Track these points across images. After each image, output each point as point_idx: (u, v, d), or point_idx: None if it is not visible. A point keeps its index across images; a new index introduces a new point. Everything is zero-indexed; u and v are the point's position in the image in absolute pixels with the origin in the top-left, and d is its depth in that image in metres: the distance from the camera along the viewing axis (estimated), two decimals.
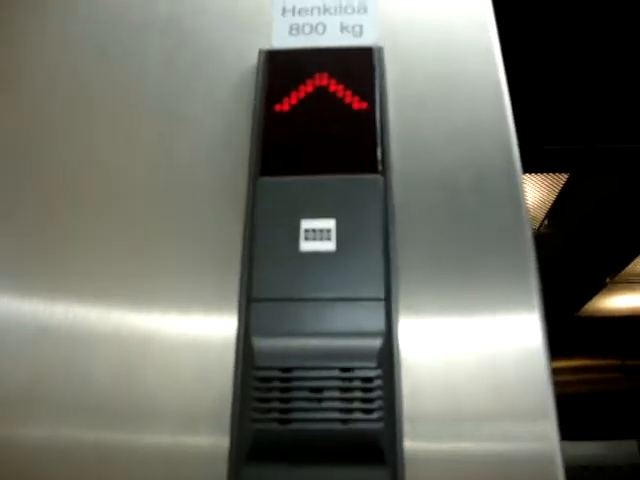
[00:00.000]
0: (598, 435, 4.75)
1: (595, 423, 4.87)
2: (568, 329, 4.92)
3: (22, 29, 0.76)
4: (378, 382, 0.49)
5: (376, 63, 0.65)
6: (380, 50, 0.66)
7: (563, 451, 0.50)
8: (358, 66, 0.65)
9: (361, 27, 0.70)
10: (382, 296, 0.53)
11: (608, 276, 3.91)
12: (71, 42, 0.75)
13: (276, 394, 0.50)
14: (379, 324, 0.52)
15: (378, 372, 0.50)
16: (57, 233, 0.62)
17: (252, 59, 0.69)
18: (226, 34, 0.73)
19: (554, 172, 2.28)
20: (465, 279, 0.57)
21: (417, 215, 0.59)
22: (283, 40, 0.70)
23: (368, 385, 0.49)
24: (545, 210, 2.80)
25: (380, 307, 0.53)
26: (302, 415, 0.49)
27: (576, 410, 4.94)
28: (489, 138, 0.63)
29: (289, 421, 0.49)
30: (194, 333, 0.57)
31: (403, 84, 0.67)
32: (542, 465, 0.50)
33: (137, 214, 0.62)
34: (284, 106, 0.63)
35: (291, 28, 0.71)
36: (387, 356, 0.51)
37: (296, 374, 0.50)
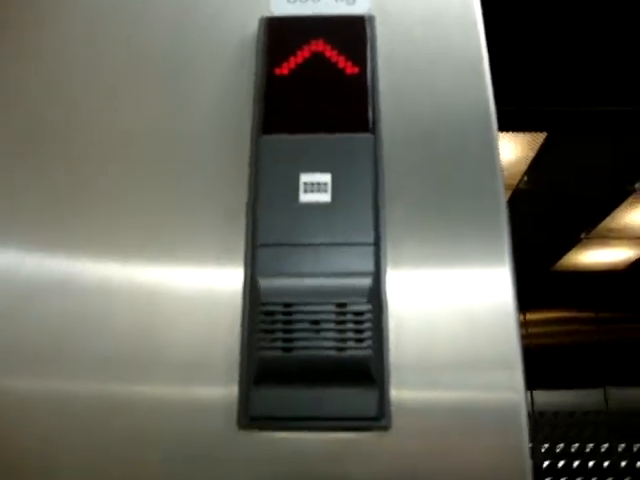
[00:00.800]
0: (570, 384, 4.95)
1: (568, 373, 5.07)
2: (544, 283, 5.07)
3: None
4: (368, 316, 0.57)
5: (368, 31, 0.71)
6: (372, 18, 0.72)
7: (528, 400, 0.57)
8: (351, 33, 0.71)
9: None
10: (372, 241, 0.60)
11: (583, 232, 4.04)
12: (83, 9, 0.79)
13: (280, 326, 0.57)
14: (369, 266, 0.60)
15: (368, 307, 0.58)
16: (76, 191, 0.68)
17: (253, 26, 0.74)
18: (228, 3, 0.78)
19: (533, 131, 2.36)
20: (444, 231, 0.64)
21: (403, 170, 0.66)
22: (282, 8, 0.76)
23: (359, 318, 0.57)
24: (524, 167, 2.89)
25: (370, 251, 0.60)
26: (303, 344, 0.57)
27: (551, 360, 5.13)
28: (468, 99, 0.70)
29: (291, 349, 0.57)
30: (204, 281, 0.63)
31: (391, 51, 0.73)
32: (509, 412, 0.56)
33: (147, 170, 0.68)
34: (283, 70, 0.69)
35: None
36: (376, 294, 0.59)
37: (296, 308, 0.58)
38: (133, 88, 0.74)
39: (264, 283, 0.59)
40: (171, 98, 0.73)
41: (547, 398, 5.03)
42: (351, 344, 0.56)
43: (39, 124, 0.71)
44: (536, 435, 4.97)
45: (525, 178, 3.03)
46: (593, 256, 4.68)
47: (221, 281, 0.63)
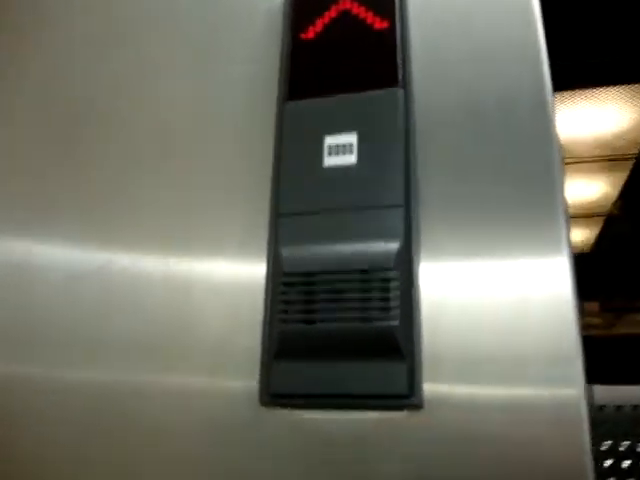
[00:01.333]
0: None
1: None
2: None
3: None
4: (395, 283, 0.52)
5: None
6: None
7: (588, 395, 0.48)
8: None
9: None
10: (401, 202, 0.55)
11: None
12: None
13: (301, 297, 0.54)
14: (397, 229, 0.55)
15: (395, 273, 0.53)
16: (112, 181, 0.68)
17: None
18: None
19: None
20: (488, 210, 0.56)
21: (441, 132, 0.60)
22: None
23: (385, 285, 0.52)
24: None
25: (398, 213, 0.55)
26: (325, 315, 0.53)
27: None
28: (515, 56, 0.62)
29: (314, 321, 0.53)
30: (230, 257, 0.61)
31: (425, 4, 0.67)
32: (567, 409, 0.48)
33: (174, 151, 0.67)
34: (309, 34, 0.65)
35: None
36: (404, 260, 0.54)
37: (318, 278, 0.54)
38: (165, 65, 0.73)
39: (285, 253, 0.56)
40: (201, 72, 0.72)
41: (608, 392, 4.61)
42: (377, 314, 0.52)
43: (77, 111, 0.72)
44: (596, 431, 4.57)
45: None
46: None
47: (247, 255, 0.60)
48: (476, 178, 0.57)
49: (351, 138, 0.58)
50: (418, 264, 0.55)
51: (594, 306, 5.04)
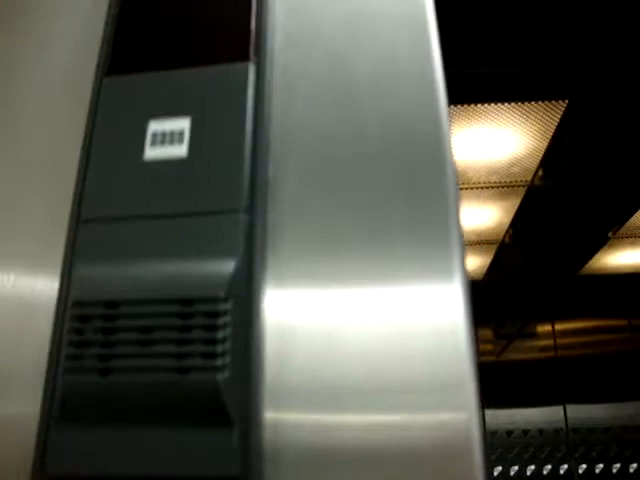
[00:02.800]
0: (604, 397, 4.66)
1: (601, 385, 4.78)
2: (570, 289, 4.78)
3: None
4: (226, 319, 0.38)
5: None
6: None
7: (481, 420, 0.41)
8: None
9: None
10: (241, 207, 0.41)
11: (611, 230, 3.75)
12: None
13: (96, 336, 0.38)
14: (234, 242, 0.40)
15: (227, 305, 0.38)
16: None
17: None
18: None
19: (549, 100, 2.05)
20: (357, 204, 0.44)
21: (302, 114, 0.47)
22: None
23: (212, 322, 0.38)
24: (538, 158, 2.63)
25: (237, 221, 0.41)
26: (128, 363, 0.38)
27: (582, 373, 4.84)
28: (398, 22, 0.51)
29: (111, 371, 0.37)
30: (18, 270, 0.45)
31: None
32: (458, 433, 0.39)
33: None
34: None
35: None
36: (242, 285, 0.39)
37: (123, 310, 0.38)
38: None
39: (81, 273, 0.40)
40: (24, 36, 0.55)
41: (580, 413, 4.74)
42: (197, 362, 0.37)
43: None
44: (572, 453, 4.67)
45: (540, 172, 2.78)
46: (623, 257, 4.39)
47: (38, 273, 0.44)
48: (351, 187, 0.44)
49: (182, 123, 0.44)
50: (261, 291, 0.41)
51: (487, 333, 5.08)
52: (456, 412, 0.40)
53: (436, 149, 0.46)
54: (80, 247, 0.42)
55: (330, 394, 0.40)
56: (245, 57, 0.46)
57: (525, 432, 4.74)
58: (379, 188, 0.45)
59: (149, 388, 0.37)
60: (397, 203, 0.44)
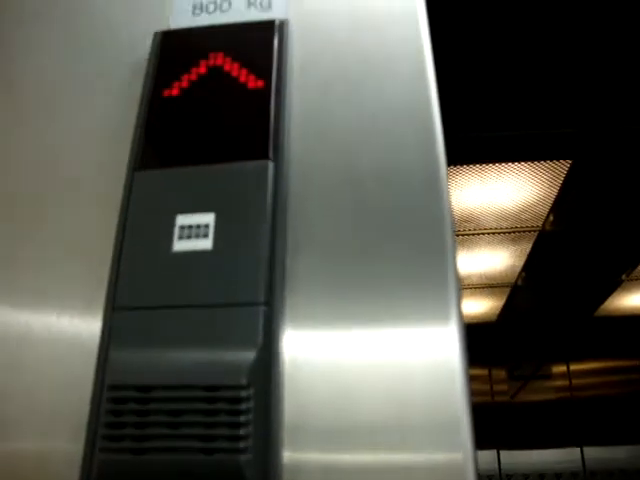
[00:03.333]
0: (620, 439, 4.60)
1: (619, 427, 4.71)
2: (585, 330, 4.77)
3: None
4: (248, 404, 0.42)
5: (276, 37, 0.57)
6: (284, 23, 0.59)
7: (476, 461, 0.43)
8: (257, 42, 0.58)
9: (270, 0, 0.63)
10: (262, 300, 0.45)
11: (624, 273, 3.76)
12: None
13: (130, 418, 0.42)
14: (255, 333, 0.44)
15: (248, 392, 0.42)
16: None
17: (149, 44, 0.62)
18: (127, 19, 0.66)
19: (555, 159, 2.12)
20: (367, 284, 0.49)
21: (315, 210, 0.52)
22: (183, 20, 0.63)
23: (235, 407, 0.42)
24: (548, 205, 2.67)
25: (259, 313, 0.45)
26: (159, 444, 0.42)
27: (598, 414, 4.79)
28: (407, 123, 0.55)
29: (144, 451, 0.41)
30: (60, 344, 0.49)
31: (311, 61, 0.59)
32: (449, 476, 0.43)
33: (9, 214, 0.56)
34: (173, 91, 0.56)
35: (194, 7, 0.64)
36: (263, 372, 0.43)
37: (155, 394, 0.43)
38: (13, 115, 0.61)
39: (115, 359, 0.44)
40: (52, 131, 0.60)
41: (598, 454, 4.68)
42: (222, 444, 0.41)
43: None
44: None
45: (550, 218, 2.81)
46: (637, 299, 4.39)
47: (77, 354, 0.48)
48: (356, 254, 0.49)
49: (207, 218, 0.48)
50: (279, 375, 0.45)
51: (502, 374, 5.06)
52: (452, 452, 0.43)
53: (435, 206, 0.51)
54: (114, 333, 0.46)
55: (343, 437, 0.43)
56: (265, 155, 0.51)
57: (542, 476, 4.68)
58: (383, 253, 0.49)
59: (178, 467, 0.41)
60: (400, 258, 0.49)
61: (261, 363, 0.43)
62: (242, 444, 0.41)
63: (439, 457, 0.43)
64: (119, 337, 0.46)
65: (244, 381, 0.42)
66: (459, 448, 0.43)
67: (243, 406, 0.41)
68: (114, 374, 0.44)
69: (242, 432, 0.41)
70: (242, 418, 0.41)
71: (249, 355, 0.43)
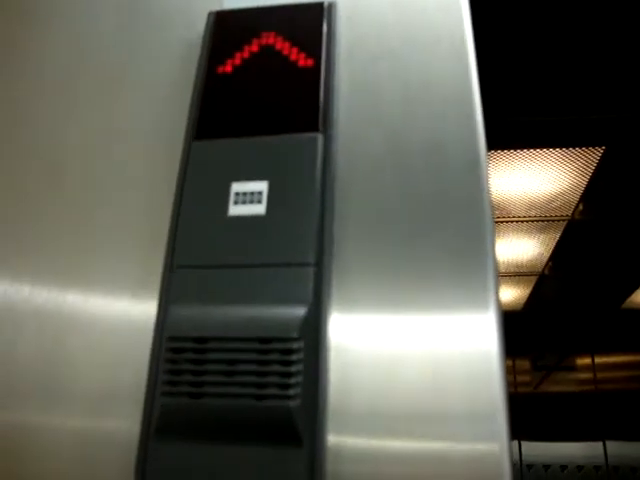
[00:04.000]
0: None
1: None
2: (611, 322, 4.74)
3: None
4: (298, 355, 0.45)
5: (325, 19, 0.60)
6: (332, 5, 0.62)
7: (511, 451, 0.44)
8: (306, 23, 0.61)
9: None
10: (312, 261, 0.49)
11: None
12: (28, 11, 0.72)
13: (188, 366, 0.46)
14: (305, 292, 0.48)
15: (299, 344, 0.46)
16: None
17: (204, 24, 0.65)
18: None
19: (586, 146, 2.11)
20: (410, 262, 0.51)
21: (362, 180, 0.55)
22: (235, 1, 0.66)
23: (286, 358, 0.45)
24: (579, 193, 2.67)
25: (308, 273, 0.48)
26: (215, 389, 0.45)
27: (623, 409, 4.76)
28: (447, 99, 0.58)
29: (201, 395, 0.45)
30: (121, 306, 0.54)
31: (358, 41, 0.62)
32: (489, 465, 0.44)
33: (70, 184, 0.59)
34: (227, 67, 0.59)
35: None
36: (312, 328, 0.47)
37: (211, 345, 0.46)
38: (74, 95, 0.65)
39: (174, 313, 0.48)
40: (114, 105, 0.64)
41: (621, 450, 4.66)
42: (273, 391, 0.44)
43: None
44: None
45: (580, 207, 2.81)
46: None
47: (136, 310, 0.52)
48: (398, 232, 0.52)
49: (260, 186, 0.52)
50: (327, 331, 0.48)
51: (525, 364, 5.06)
52: (489, 443, 0.44)
53: (476, 190, 0.54)
54: (173, 290, 0.50)
55: (382, 421, 0.46)
56: (315, 128, 0.54)
57: (563, 467, 4.67)
58: (427, 235, 0.52)
59: (233, 411, 0.45)
60: (442, 243, 0.51)
61: (310, 318, 0.47)
62: (292, 391, 0.44)
63: (476, 447, 0.44)
64: (178, 294, 0.49)
65: (295, 334, 0.46)
66: (496, 438, 0.44)
67: (294, 357, 0.45)
68: (173, 327, 0.48)
69: (292, 381, 0.44)
70: (293, 368, 0.45)
71: (300, 311, 0.47)
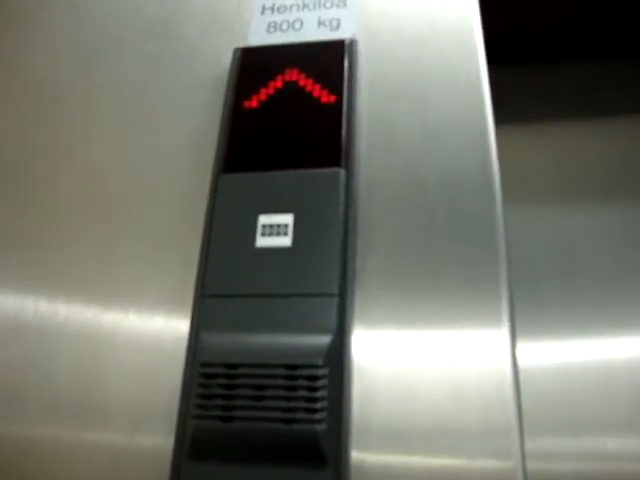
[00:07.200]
0: None
1: None
2: None
3: (10, 38, 0.78)
4: (323, 381, 0.48)
5: (347, 56, 0.63)
6: (353, 42, 0.65)
7: (525, 469, 0.46)
8: (329, 59, 0.64)
9: (339, 21, 0.69)
10: (335, 292, 0.51)
11: None
12: (58, 48, 0.76)
13: (219, 391, 0.49)
14: (329, 321, 0.50)
15: (324, 371, 0.48)
16: (30, 232, 0.63)
17: (230, 60, 0.68)
18: (208, 37, 0.73)
19: None
20: (428, 286, 0.54)
21: (382, 213, 0.58)
22: (259, 38, 0.69)
23: (313, 384, 0.48)
24: None
25: (332, 303, 0.51)
26: (244, 413, 0.48)
27: None
28: (464, 134, 0.61)
29: (231, 419, 0.48)
30: (154, 331, 0.56)
31: (378, 77, 0.65)
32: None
33: (103, 214, 0.62)
34: (252, 103, 0.62)
35: (269, 26, 0.70)
36: (336, 355, 0.49)
37: (241, 371, 0.49)
38: (104, 125, 0.69)
39: (206, 339, 0.51)
40: (141, 137, 0.67)
41: None
42: (301, 415, 0.47)
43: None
44: None
45: None
46: None
47: (169, 335, 0.55)
48: (417, 259, 0.55)
49: (286, 219, 0.55)
50: (350, 358, 0.51)
51: None
52: (503, 460, 0.46)
53: (489, 213, 0.56)
54: (204, 318, 0.52)
55: (402, 437, 0.49)
56: (337, 163, 0.57)
57: None
58: (443, 258, 0.54)
59: (261, 435, 0.47)
60: (456, 264, 0.54)
61: (335, 346, 0.49)
62: (318, 416, 0.47)
63: (491, 463, 0.46)
64: (208, 321, 0.52)
65: (320, 361, 0.48)
66: (510, 455, 0.46)
67: (319, 383, 0.47)
68: (205, 353, 0.50)
69: (318, 405, 0.47)
70: (318, 393, 0.47)
71: (324, 339, 0.49)
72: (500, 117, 0.63)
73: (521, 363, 0.51)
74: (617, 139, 1.13)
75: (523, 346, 0.80)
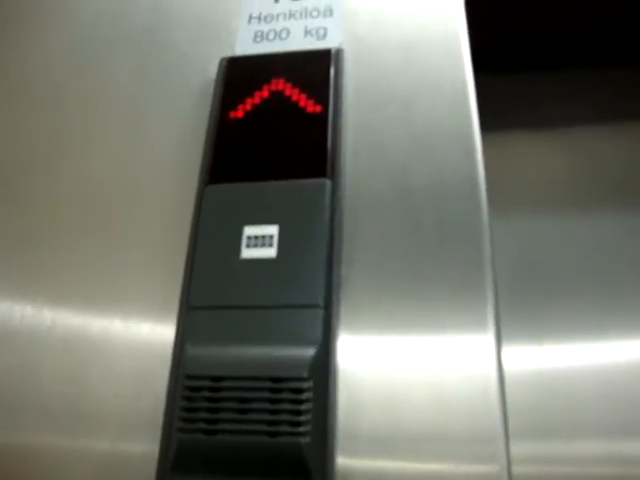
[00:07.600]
0: None
1: None
2: None
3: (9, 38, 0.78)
4: (308, 394, 0.48)
5: (332, 65, 0.63)
6: (339, 52, 0.65)
7: (510, 474, 0.46)
8: (314, 69, 0.64)
9: (325, 30, 0.69)
10: (321, 303, 0.51)
11: None
12: (49, 53, 0.76)
13: (204, 404, 0.48)
14: (315, 333, 0.50)
15: (309, 384, 0.48)
16: (16, 239, 0.63)
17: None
18: (197, 44, 0.73)
19: None
20: (414, 291, 0.54)
21: (368, 223, 0.57)
22: (246, 47, 0.69)
23: (297, 397, 0.47)
24: None
25: (317, 315, 0.51)
26: (229, 426, 0.47)
27: None
28: (450, 141, 0.61)
29: (215, 432, 0.48)
30: (138, 341, 0.56)
31: (365, 84, 0.65)
32: None
33: (88, 223, 0.62)
34: (238, 113, 0.62)
35: (255, 35, 0.70)
36: (321, 367, 0.49)
37: (226, 384, 0.49)
38: (88, 135, 0.68)
39: (190, 352, 0.51)
40: (127, 147, 0.67)
41: None
42: (286, 428, 0.47)
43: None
44: None
45: None
46: None
47: (158, 343, 0.55)
48: (403, 265, 0.55)
49: (271, 230, 0.55)
50: (335, 370, 0.51)
51: None
52: (489, 464, 0.46)
53: (476, 220, 0.57)
54: (189, 330, 0.52)
55: (388, 443, 0.49)
56: (323, 174, 0.57)
57: None
58: (429, 264, 0.55)
59: (246, 448, 0.47)
60: (441, 270, 0.54)
61: (320, 358, 0.49)
62: (302, 428, 0.47)
63: (477, 468, 0.46)
64: (193, 334, 0.52)
65: (305, 374, 0.48)
66: (496, 460, 0.46)
67: (304, 396, 0.47)
68: (190, 365, 0.50)
69: (302, 418, 0.47)
70: (303, 406, 0.47)
71: (309, 351, 0.49)
72: (501, 124, 0.63)
73: (507, 368, 0.51)
74: (620, 144, 1.13)
75: (508, 350, 0.80)
